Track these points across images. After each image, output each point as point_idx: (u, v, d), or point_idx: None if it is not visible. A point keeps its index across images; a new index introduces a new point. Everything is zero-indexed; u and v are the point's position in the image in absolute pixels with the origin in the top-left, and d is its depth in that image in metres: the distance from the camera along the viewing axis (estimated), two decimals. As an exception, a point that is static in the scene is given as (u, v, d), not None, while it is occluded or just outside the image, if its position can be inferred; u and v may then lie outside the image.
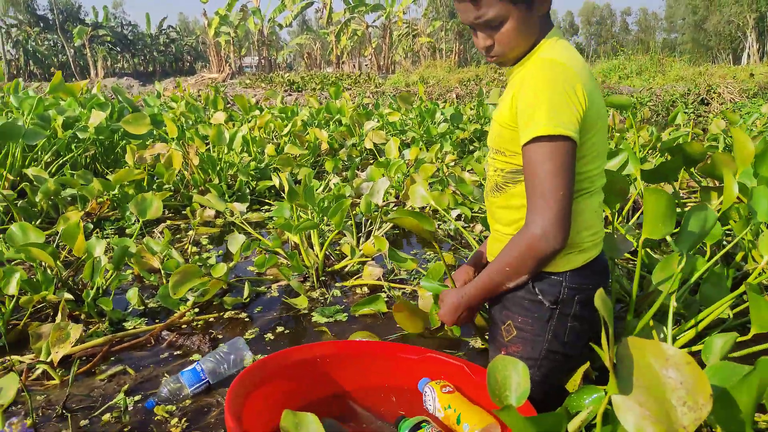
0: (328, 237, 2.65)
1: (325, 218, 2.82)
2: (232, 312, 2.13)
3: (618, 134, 4.38)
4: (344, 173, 4.27)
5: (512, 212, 1.25)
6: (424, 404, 1.34)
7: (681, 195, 3.62)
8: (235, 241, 2.36)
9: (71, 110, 4.13)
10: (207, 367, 1.61)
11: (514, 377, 0.97)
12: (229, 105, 8.14)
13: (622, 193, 1.81)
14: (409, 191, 2.49)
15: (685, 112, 9.89)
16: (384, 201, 2.72)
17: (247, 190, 3.68)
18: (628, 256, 2.39)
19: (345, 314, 2.10)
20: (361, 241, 2.72)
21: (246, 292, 2.19)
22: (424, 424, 1.22)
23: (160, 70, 48.23)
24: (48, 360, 1.64)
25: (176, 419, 1.48)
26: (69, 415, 1.49)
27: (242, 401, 1.17)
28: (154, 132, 4.26)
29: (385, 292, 2.27)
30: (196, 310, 2.13)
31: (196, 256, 2.73)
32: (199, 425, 1.46)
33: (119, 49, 43.73)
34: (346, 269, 2.52)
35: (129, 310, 2.15)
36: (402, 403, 1.40)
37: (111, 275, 2.18)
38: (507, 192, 1.25)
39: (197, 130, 3.93)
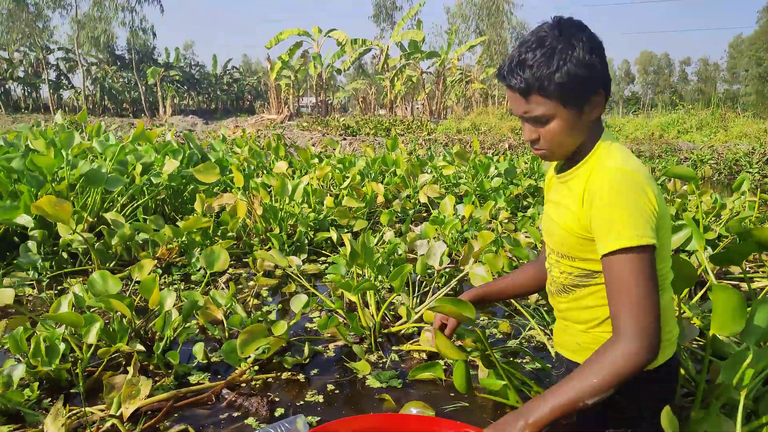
0: (383, 296, 2.71)
1: (380, 276, 2.89)
2: (290, 373, 2.19)
3: (678, 200, 4.29)
4: (398, 225, 4.36)
5: (583, 312, 1.25)
6: None
7: (747, 270, 3.49)
8: (298, 301, 2.44)
9: (147, 156, 4.43)
10: None
11: None
12: (287, 146, 8.45)
13: (689, 278, 1.79)
14: (470, 274, 2.54)
15: (749, 171, 9.56)
16: (440, 264, 2.77)
17: (306, 241, 3.80)
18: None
19: (400, 381, 2.13)
20: (415, 302, 2.77)
21: (306, 353, 2.25)
22: None
23: (222, 107, 50.84)
24: (118, 414, 1.75)
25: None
26: None
27: None
28: (221, 179, 4.49)
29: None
30: (256, 368, 2.20)
31: (258, 312, 2.83)
32: None
33: (186, 88, 46.49)
34: (402, 332, 2.56)
35: (194, 364, 2.25)
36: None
37: (179, 327, 2.30)
38: (575, 294, 1.25)
39: (263, 182, 4.12)
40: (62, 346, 2.00)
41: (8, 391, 1.79)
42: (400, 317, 2.66)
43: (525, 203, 5.46)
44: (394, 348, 2.44)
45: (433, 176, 5.41)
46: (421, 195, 4.42)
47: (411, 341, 2.48)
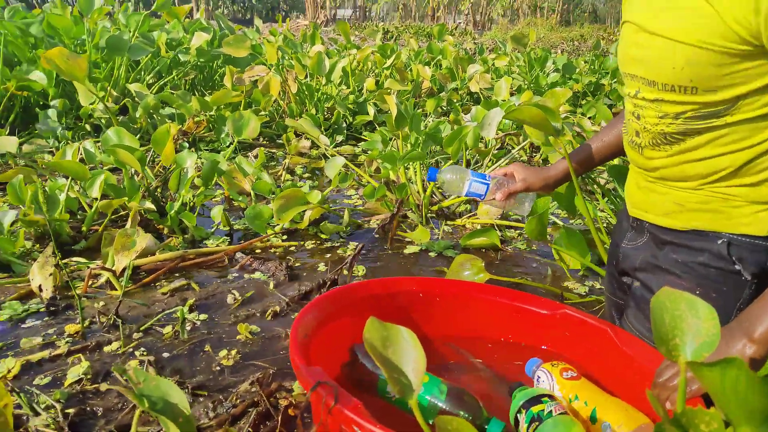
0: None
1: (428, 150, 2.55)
2: (314, 242, 1.95)
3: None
4: (443, 118, 3.97)
5: (694, 166, 0.91)
6: None
7: None
8: (334, 165, 2.16)
9: (175, 32, 4.08)
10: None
11: (691, 321, 0.65)
12: (324, 45, 7.95)
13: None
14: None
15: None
16: (496, 134, 2.40)
17: (344, 124, 3.48)
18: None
19: (456, 251, 1.86)
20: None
21: (346, 219, 1.99)
22: (545, 399, 0.93)
23: (257, 16, 49.30)
24: (112, 267, 1.53)
25: (234, 351, 1.31)
26: (120, 323, 1.36)
27: (310, 337, 0.95)
28: (254, 57, 4.14)
29: (500, 231, 2.00)
30: (285, 237, 1.96)
31: (289, 182, 2.57)
32: (255, 358, 1.28)
33: (220, -4, 44.99)
34: (452, 208, 2.26)
35: (213, 230, 2.01)
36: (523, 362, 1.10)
37: (199, 193, 2.05)
38: (685, 144, 0.91)
39: (298, 57, 3.75)
40: (62, 197, 1.77)
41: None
42: (445, 195, 2.35)
43: (583, 102, 4.95)
44: (448, 222, 2.15)
45: (484, 68, 4.91)
46: (472, 84, 3.98)
47: (467, 215, 2.18)
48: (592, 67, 5.95)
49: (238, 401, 1.07)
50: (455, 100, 4.48)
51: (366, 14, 26.60)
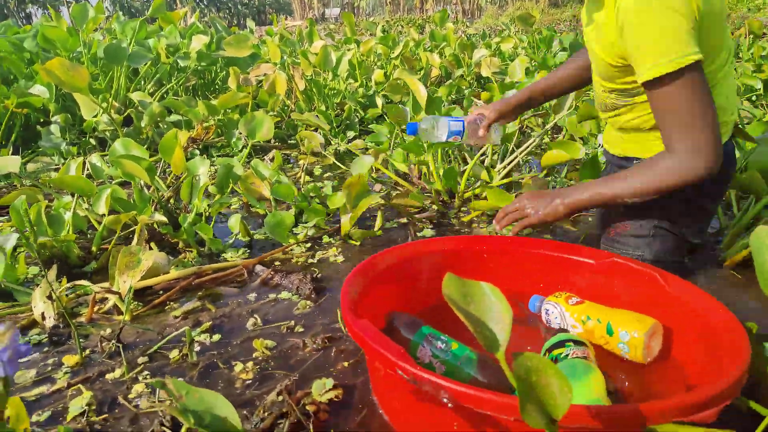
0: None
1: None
2: (340, 248, 1.80)
3: None
4: (455, 105, 3.84)
5: (629, 123, 1.26)
6: (547, 325, 1.13)
7: None
8: (361, 164, 2.03)
9: (172, 37, 3.95)
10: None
11: None
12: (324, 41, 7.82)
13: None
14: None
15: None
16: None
17: (356, 119, 3.35)
18: None
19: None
20: (494, 160, 2.33)
21: (378, 222, 1.87)
22: (569, 343, 0.98)
23: (244, 22, 49.08)
24: (118, 289, 1.40)
25: (250, 364, 1.20)
26: (122, 349, 1.25)
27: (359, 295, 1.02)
28: (255, 58, 4.02)
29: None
30: (309, 244, 1.83)
31: (311, 185, 2.45)
32: (274, 370, 1.17)
33: (205, 3, 44.68)
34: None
35: (231, 241, 1.86)
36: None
37: (215, 201, 1.92)
38: (619, 112, 1.26)
39: (304, 52, 3.61)
40: (68, 216, 1.66)
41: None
42: (472, 181, 2.22)
43: (593, 79, 4.82)
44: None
45: (490, 52, 4.78)
46: (483, 68, 3.84)
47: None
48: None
49: (266, 414, 0.99)
50: (464, 87, 4.35)
51: (354, 11, 26.40)
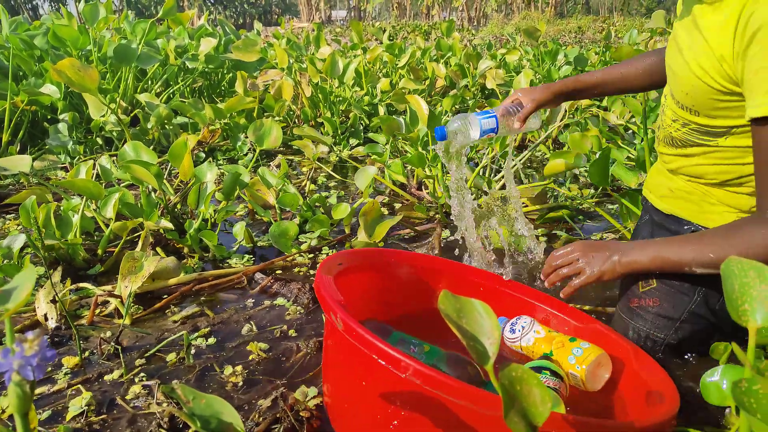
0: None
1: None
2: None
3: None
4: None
5: (691, 168, 1.05)
6: (512, 342, 1.16)
7: None
8: (365, 175, 2.06)
9: (181, 39, 3.98)
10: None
11: (760, 288, 0.65)
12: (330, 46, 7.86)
13: None
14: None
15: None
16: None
17: (361, 127, 3.39)
18: None
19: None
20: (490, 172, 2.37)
21: (381, 233, 1.89)
22: (546, 371, 1.00)
23: (250, 22, 49.22)
24: (118, 294, 1.43)
25: (243, 369, 1.22)
26: (121, 351, 1.29)
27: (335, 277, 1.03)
28: (262, 62, 4.05)
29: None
30: (311, 255, 1.85)
31: (315, 195, 2.48)
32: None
33: (212, 2, 44.84)
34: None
35: (235, 248, 1.89)
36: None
37: (221, 208, 1.95)
38: (685, 151, 1.04)
39: (311, 58, 3.65)
40: (76, 218, 1.68)
41: (6, 264, 1.50)
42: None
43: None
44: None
45: (495, 63, 4.82)
46: (488, 80, 3.88)
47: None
48: (603, 58, 5.86)
49: (260, 419, 1.03)
50: (468, 97, 4.38)
51: (361, 14, 26.50)
